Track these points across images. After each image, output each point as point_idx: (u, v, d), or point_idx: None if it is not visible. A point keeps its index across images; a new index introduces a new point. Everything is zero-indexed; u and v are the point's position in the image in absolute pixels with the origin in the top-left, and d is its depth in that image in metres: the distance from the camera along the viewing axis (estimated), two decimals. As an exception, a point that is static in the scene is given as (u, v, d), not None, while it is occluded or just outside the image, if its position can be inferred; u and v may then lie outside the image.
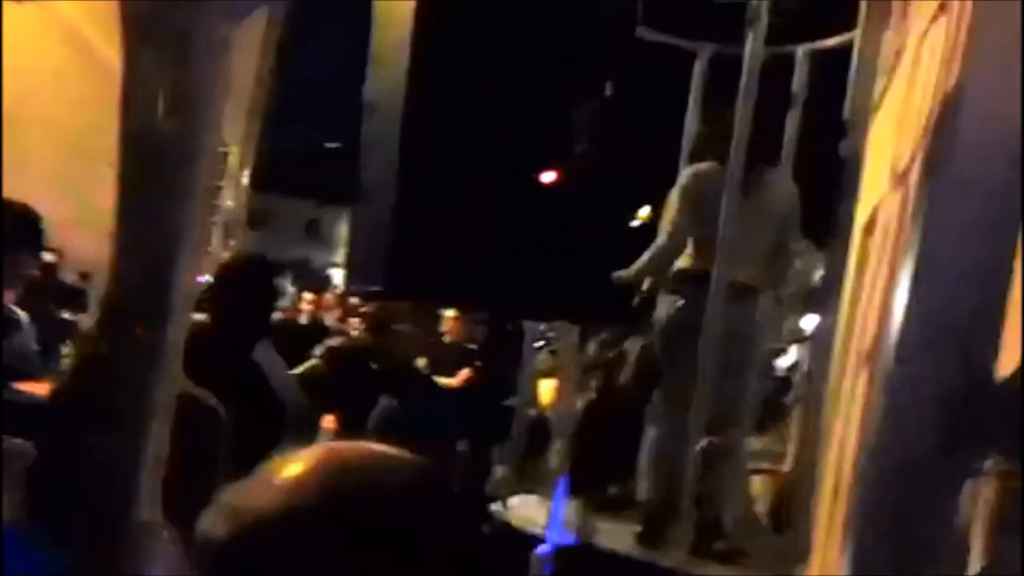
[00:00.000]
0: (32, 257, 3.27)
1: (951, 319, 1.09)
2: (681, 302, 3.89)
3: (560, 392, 4.88)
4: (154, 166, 1.40)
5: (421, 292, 2.01)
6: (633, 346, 4.63)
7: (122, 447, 1.30)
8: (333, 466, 0.71)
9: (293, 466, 0.71)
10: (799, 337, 7.08)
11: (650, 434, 4.14)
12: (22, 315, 3.34)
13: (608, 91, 1.87)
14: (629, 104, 1.91)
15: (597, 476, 4.44)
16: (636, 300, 4.05)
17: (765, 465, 6.33)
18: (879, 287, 2.88)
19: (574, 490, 4.21)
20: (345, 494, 0.69)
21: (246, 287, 2.82)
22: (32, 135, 8.97)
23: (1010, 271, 1.16)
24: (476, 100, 1.82)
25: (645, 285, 4.15)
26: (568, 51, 1.87)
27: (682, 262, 3.98)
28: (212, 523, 0.70)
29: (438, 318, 7.48)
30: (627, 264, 3.47)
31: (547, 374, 5.93)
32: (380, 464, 0.73)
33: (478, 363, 6.68)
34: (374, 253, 1.87)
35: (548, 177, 1.84)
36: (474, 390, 6.91)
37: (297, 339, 7.13)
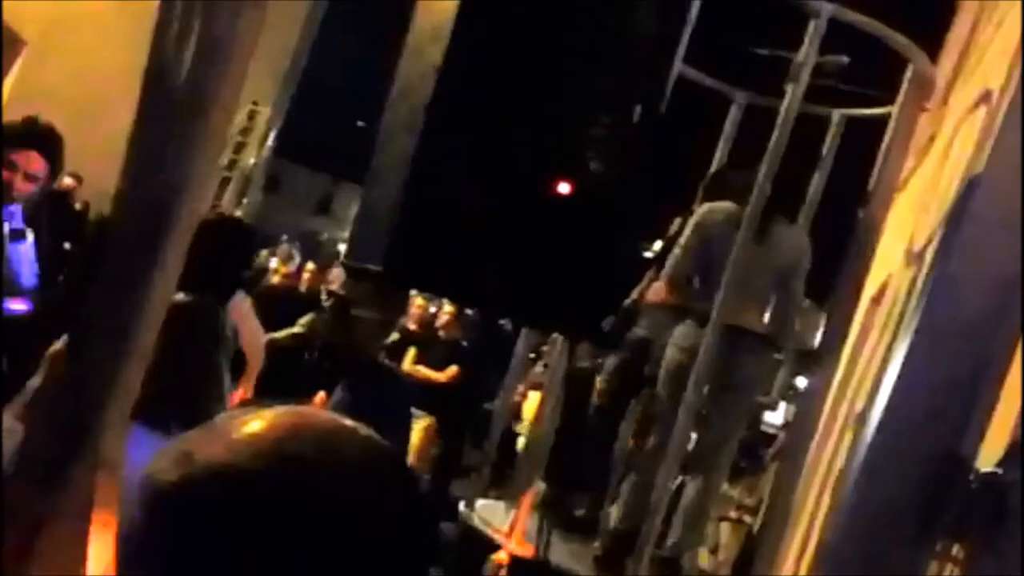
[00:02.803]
0: (50, 171, 3.28)
1: (939, 404, 1.11)
2: (683, 342, 3.91)
3: (542, 405, 4.90)
4: (169, 110, 1.40)
5: (417, 278, 2.03)
6: (611, 363, 4.64)
7: (89, 383, 1.29)
8: (292, 429, 0.71)
9: (254, 422, 0.71)
10: (789, 395, 7.10)
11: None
12: (28, 232, 3.36)
13: (636, 116, 1.89)
14: (655, 133, 1.94)
15: (563, 492, 4.46)
16: (607, 322, 4.06)
17: (734, 514, 6.35)
18: (877, 358, 2.90)
19: (539, 503, 4.23)
20: (298, 459, 0.69)
21: (217, 245, 2.85)
22: (59, 67, 9.03)
23: (1004, 366, 1.18)
24: (502, 101, 1.85)
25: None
26: (602, 69, 1.89)
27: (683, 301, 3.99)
28: (162, 465, 0.70)
29: (405, 305, 7.39)
30: (619, 285, 3.48)
31: (538, 386, 5.97)
32: (338, 435, 0.73)
33: (466, 363, 6.69)
34: (377, 232, 1.89)
35: (558, 188, 1.86)
36: (454, 387, 6.92)
37: (292, 306, 7.16)
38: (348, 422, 0.75)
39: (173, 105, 1.42)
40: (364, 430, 0.75)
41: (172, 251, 1.32)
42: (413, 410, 6.99)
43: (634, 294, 4.39)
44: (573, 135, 1.89)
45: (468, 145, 1.85)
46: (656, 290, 4.21)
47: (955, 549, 1.25)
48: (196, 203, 1.39)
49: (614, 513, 4.13)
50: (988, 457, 1.25)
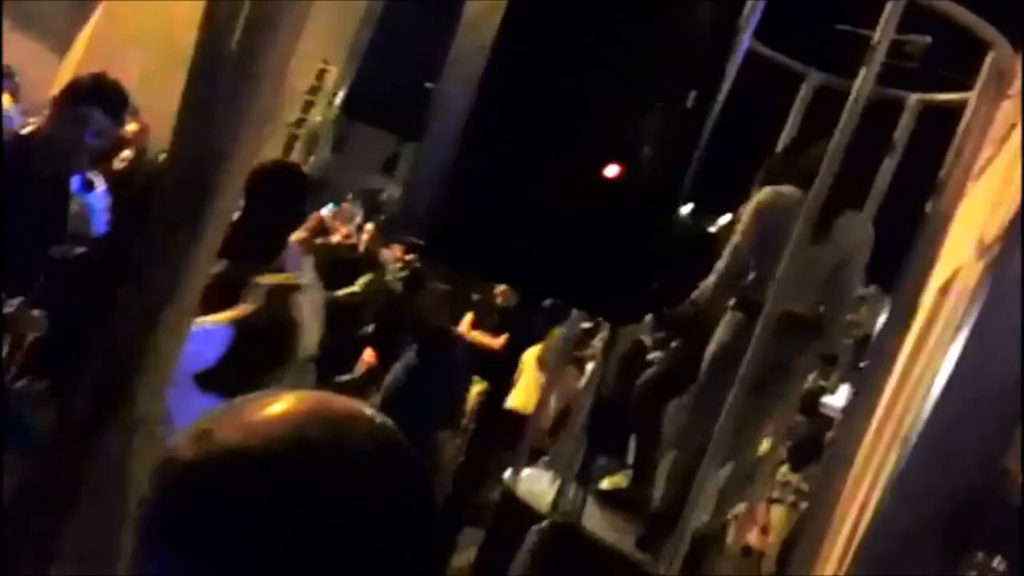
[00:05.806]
0: (115, 125, 3.35)
1: (983, 415, 1.08)
2: (735, 327, 3.85)
3: (592, 376, 4.90)
4: (219, 77, 1.42)
5: (458, 254, 2.03)
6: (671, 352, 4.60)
7: (123, 350, 1.32)
8: (308, 415, 0.72)
9: (273, 406, 0.72)
10: (850, 378, 6.97)
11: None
12: (99, 181, 3.46)
13: (690, 102, 1.86)
14: (711, 117, 1.90)
15: (595, 462, 4.45)
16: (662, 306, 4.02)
17: (791, 498, 6.31)
18: (941, 351, 2.82)
19: (581, 475, 4.23)
20: (309, 445, 0.70)
21: (273, 190, 2.85)
22: (132, 23, 9.22)
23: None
24: (554, 80, 1.83)
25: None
26: (657, 54, 1.85)
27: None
28: (183, 442, 0.72)
29: (477, 281, 7.45)
30: (661, 271, 3.42)
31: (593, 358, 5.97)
32: (352, 424, 0.73)
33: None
34: (423, 207, 1.90)
35: (605, 171, 1.84)
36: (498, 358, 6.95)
37: (350, 266, 7.25)
38: (366, 410, 0.76)
39: (222, 72, 1.44)
40: (380, 419, 0.75)
41: (211, 221, 1.33)
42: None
43: (698, 293, 4.28)
44: (624, 119, 1.86)
45: (517, 124, 1.84)
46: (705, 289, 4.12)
47: (996, 561, 1.21)
48: (239, 172, 1.40)
49: (655, 491, 4.13)
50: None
